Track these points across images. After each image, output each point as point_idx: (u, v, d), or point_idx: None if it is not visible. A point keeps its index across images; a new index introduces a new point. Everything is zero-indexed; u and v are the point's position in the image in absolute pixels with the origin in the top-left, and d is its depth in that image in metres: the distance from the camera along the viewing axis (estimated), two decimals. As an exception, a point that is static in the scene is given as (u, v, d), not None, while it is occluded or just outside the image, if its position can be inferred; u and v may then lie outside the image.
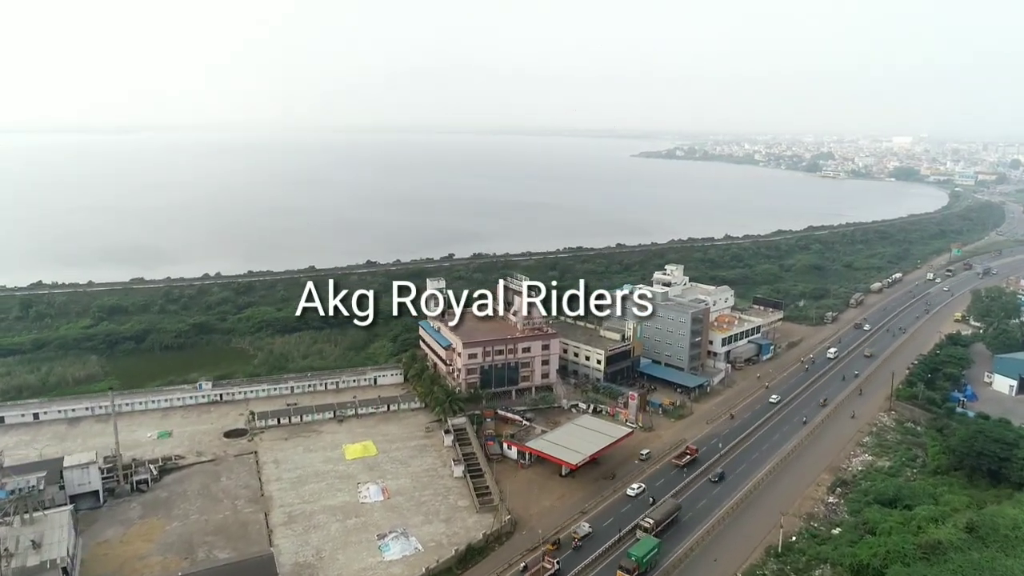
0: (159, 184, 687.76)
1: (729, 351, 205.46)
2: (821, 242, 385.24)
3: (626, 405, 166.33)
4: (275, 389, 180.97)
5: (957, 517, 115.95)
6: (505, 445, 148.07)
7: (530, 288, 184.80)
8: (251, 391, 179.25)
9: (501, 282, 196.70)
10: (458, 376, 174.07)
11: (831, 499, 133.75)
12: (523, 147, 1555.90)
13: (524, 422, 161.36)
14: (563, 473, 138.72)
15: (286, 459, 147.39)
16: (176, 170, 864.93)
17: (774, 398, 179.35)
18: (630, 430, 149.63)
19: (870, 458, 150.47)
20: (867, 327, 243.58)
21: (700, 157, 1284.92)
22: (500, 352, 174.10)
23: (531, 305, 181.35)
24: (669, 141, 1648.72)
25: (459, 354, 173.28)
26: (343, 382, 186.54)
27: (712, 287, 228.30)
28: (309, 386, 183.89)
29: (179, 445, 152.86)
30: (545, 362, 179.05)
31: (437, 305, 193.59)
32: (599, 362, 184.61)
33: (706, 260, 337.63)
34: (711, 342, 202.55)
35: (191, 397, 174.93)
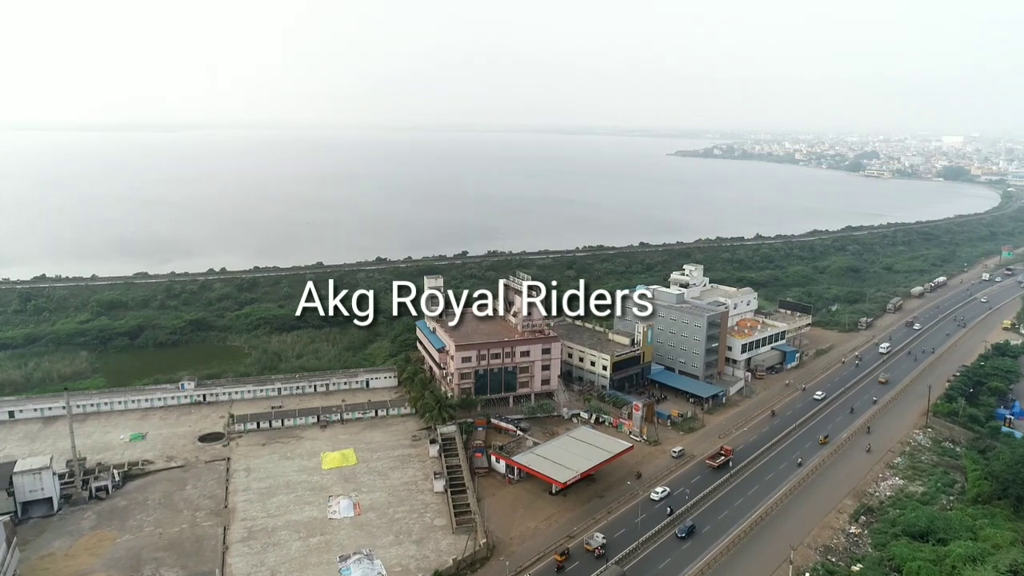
0: (196, 179, 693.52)
1: (750, 359, 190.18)
2: (859, 243, 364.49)
3: (630, 416, 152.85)
4: (261, 391, 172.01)
5: (999, 556, 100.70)
6: (493, 458, 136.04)
7: (530, 288, 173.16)
8: (236, 392, 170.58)
9: (502, 281, 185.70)
10: (451, 381, 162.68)
11: (853, 529, 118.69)
12: (559, 145, 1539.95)
13: (518, 432, 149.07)
14: (553, 491, 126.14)
15: (259, 467, 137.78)
16: (217, 166, 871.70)
17: (819, 394, 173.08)
18: (629, 445, 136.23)
19: (900, 482, 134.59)
20: (917, 326, 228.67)
21: (738, 156, 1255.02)
22: (496, 356, 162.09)
23: (531, 305, 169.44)
24: (707, 140, 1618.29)
25: (452, 357, 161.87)
26: (333, 384, 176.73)
27: (733, 289, 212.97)
28: (297, 388, 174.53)
29: (151, 449, 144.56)
30: (546, 367, 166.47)
31: (435, 305, 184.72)
32: (605, 368, 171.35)
33: (734, 261, 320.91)
34: (730, 348, 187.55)
35: (173, 397, 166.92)
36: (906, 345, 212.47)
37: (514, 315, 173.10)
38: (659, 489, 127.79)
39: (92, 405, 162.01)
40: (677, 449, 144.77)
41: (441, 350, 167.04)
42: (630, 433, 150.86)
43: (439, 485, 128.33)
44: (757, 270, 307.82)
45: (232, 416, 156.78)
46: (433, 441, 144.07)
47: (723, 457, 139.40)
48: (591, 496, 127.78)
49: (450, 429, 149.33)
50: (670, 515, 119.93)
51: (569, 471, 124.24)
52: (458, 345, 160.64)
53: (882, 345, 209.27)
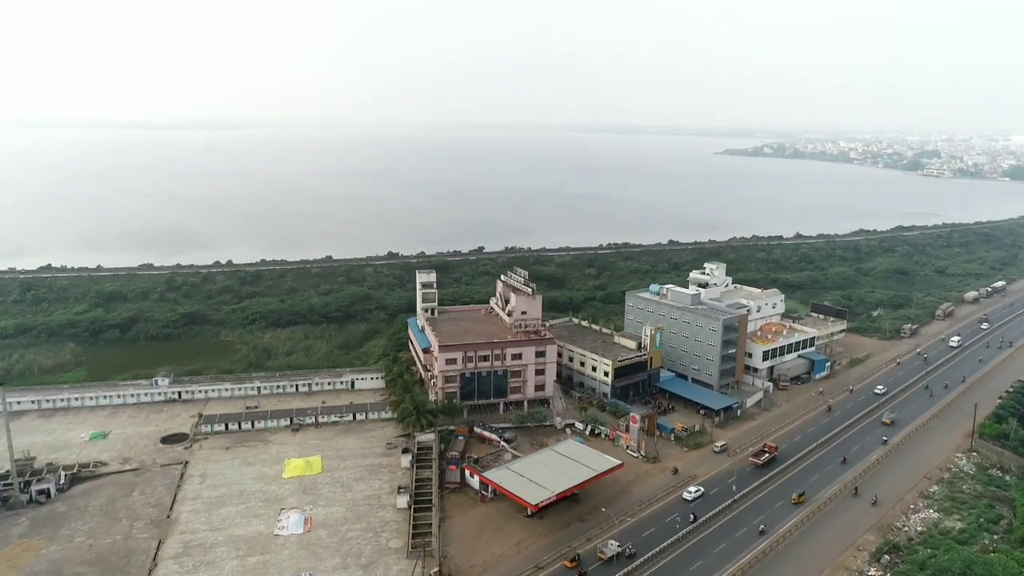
0: (227, 175, 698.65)
1: (772, 367, 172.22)
2: (910, 244, 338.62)
3: (628, 428, 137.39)
4: (239, 389, 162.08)
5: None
6: (467, 472, 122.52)
7: (524, 284, 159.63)
8: (212, 390, 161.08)
9: (500, 279, 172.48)
10: (435, 384, 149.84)
11: (873, 572, 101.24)
12: (604, 144, 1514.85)
13: (500, 443, 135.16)
14: (529, 512, 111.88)
15: (216, 473, 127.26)
16: (254, 163, 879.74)
17: (880, 388, 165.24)
18: (619, 463, 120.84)
19: (935, 515, 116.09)
20: (985, 325, 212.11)
21: (790, 155, 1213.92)
22: (485, 358, 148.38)
23: (526, 303, 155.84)
24: (757, 139, 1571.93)
25: (436, 358, 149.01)
26: (316, 384, 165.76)
27: (758, 290, 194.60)
28: (278, 387, 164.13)
29: (109, 449, 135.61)
30: (540, 371, 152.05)
31: (428, 301, 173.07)
32: (606, 374, 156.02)
33: (769, 261, 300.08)
34: (749, 355, 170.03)
35: (147, 394, 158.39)
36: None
37: (508, 314, 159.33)
38: (693, 488, 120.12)
39: (63, 400, 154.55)
40: (720, 444, 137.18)
41: (427, 350, 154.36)
42: (627, 448, 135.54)
43: (402, 501, 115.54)
44: (794, 271, 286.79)
45: (201, 416, 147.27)
46: (406, 450, 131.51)
47: (767, 454, 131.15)
48: (572, 519, 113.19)
49: (428, 437, 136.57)
50: (693, 522, 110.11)
51: (544, 491, 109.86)
52: (442, 345, 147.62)
53: (954, 339, 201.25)
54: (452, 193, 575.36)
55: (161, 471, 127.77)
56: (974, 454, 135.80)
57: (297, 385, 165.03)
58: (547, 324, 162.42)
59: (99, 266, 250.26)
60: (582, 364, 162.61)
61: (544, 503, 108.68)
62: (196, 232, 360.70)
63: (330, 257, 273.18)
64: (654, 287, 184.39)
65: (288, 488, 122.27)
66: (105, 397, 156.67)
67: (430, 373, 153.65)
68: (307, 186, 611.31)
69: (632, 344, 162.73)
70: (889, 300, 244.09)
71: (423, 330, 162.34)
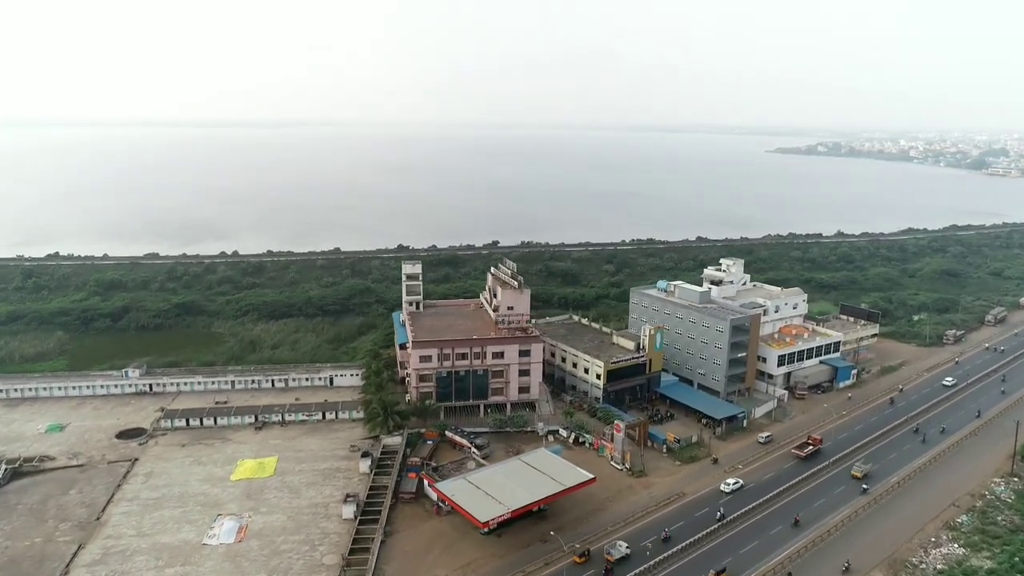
0: (265, 169, 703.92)
1: (789, 373, 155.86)
2: (963, 244, 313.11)
3: (613, 438, 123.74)
4: (212, 383, 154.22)
5: None
6: (426, 482, 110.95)
7: (511, 277, 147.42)
8: (184, 383, 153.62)
9: (490, 272, 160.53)
10: (409, 383, 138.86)
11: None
12: (653, 143, 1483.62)
13: (472, 449, 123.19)
14: (485, 530, 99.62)
15: (163, 472, 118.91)
16: (296, 159, 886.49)
17: (948, 381, 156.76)
18: (590, 477, 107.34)
19: (960, 550, 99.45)
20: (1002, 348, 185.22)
21: (845, 153, 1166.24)
22: (463, 356, 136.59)
23: (512, 298, 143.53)
24: (812, 138, 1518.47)
25: (410, 355, 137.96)
26: (293, 380, 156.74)
27: (777, 288, 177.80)
28: (252, 382, 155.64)
29: (61, 443, 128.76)
30: (524, 372, 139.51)
31: (412, 293, 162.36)
32: (598, 376, 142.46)
33: (805, 260, 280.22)
34: (763, 359, 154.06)
35: (116, 386, 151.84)
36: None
37: (495, 309, 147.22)
38: (731, 480, 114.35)
39: (31, 390, 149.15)
40: (764, 435, 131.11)
41: (403, 346, 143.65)
42: (611, 459, 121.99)
43: (348, 511, 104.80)
44: (831, 271, 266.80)
45: (163, 410, 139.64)
46: (366, 455, 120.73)
47: (811, 447, 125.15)
48: (534, 539, 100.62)
49: (395, 441, 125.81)
50: (720, 520, 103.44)
51: (498, 507, 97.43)
52: (415, 341, 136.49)
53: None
54: (487, 188, 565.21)
55: (107, 468, 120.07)
56: (1015, 479, 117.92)
57: (273, 380, 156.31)
58: (534, 321, 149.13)
59: (105, 255, 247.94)
60: (574, 365, 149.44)
61: (497, 521, 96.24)
62: (217, 223, 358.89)
63: (338, 249, 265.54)
64: (662, 283, 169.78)
65: (233, 492, 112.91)
66: (74, 388, 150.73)
67: (406, 371, 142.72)
68: (340, 181, 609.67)
69: (631, 345, 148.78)
70: (933, 303, 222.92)
71: (404, 325, 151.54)
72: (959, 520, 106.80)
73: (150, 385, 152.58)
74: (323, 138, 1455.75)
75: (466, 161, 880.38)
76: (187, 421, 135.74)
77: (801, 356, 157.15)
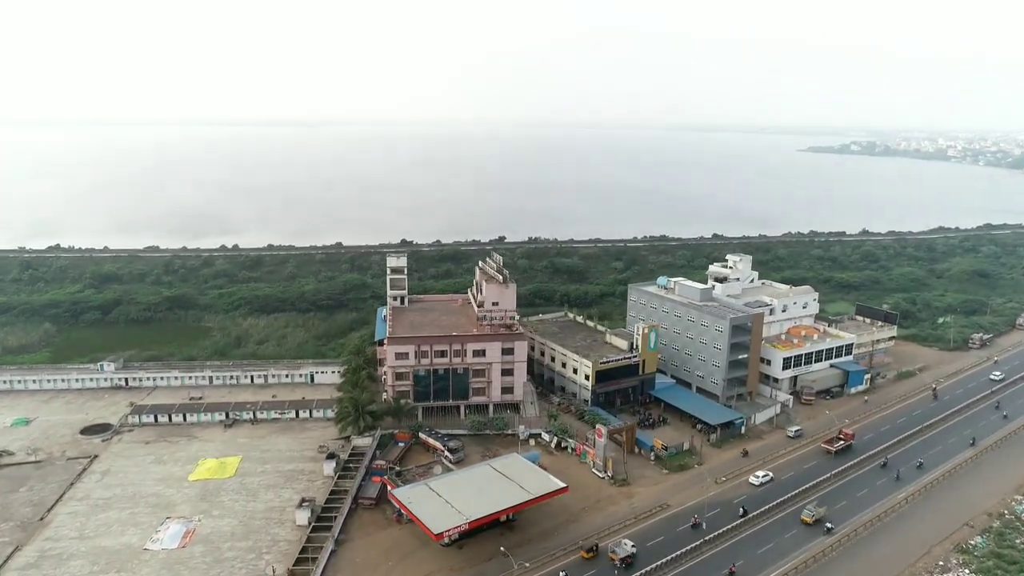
0: (291, 166, 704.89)
1: (795, 377, 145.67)
2: (997, 243, 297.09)
3: (595, 443, 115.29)
4: (189, 378, 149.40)
5: None
6: (389, 487, 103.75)
7: (496, 271, 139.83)
8: (161, 378, 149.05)
9: (478, 266, 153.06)
10: (386, 381, 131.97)
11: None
12: (685, 142, 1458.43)
13: (445, 452, 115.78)
14: (446, 540, 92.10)
15: (120, 470, 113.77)
16: (331, 156, 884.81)
17: (996, 374, 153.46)
18: (561, 487, 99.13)
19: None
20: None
21: (880, 152, 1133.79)
22: (442, 354, 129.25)
23: (497, 293, 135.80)
24: (846, 137, 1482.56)
25: (385, 351, 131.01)
26: (272, 376, 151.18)
27: (785, 287, 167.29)
28: (231, 378, 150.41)
29: (24, 437, 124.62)
30: (508, 371, 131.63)
31: (397, 288, 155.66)
32: (587, 377, 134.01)
33: (825, 258, 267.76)
34: (767, 362, 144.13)
35: (92, 379, 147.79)
36: None
37: (479, 306, 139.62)
38: (761, 473, 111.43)
39: (4, 383, 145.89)
40: (794, 429, 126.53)
41: (380, 342, 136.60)
42: (593, 466, 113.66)
43: (302, 516, 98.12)
44: (854, 270, 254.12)
45: (132, 405, 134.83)
46: (331, 456, 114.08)
47: (842, 442, 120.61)
48: (497, 552, 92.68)
49: (365, 442, 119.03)
50: (742, 516, 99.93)
51: (456, 518, 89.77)
52: (391, 337, 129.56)
53: None
54: (511, 185, 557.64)
55: (64, 465, 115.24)
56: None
57: (252, 376, 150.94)
58: (527, 318, 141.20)
59: (105, 247, 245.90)
60: (563, 365, 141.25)
61: (452, 532, 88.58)
62: (227, 217, 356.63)
63: (339, 244, 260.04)
64: (662, 280, 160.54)
65: (188, 493, 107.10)
66: (49, 381, 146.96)
67: (383, 369, 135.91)
68: (365, 176, 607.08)
69: (624, 344, 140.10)
70: (961, 305, 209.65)
71: (385, 320, 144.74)
72: (972, 542, 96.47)
73: (126, 379, 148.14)
74: (351, 136, 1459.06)
75: (496, 160, 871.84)
76: (155, 417, 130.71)
77: (809, 359, 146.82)
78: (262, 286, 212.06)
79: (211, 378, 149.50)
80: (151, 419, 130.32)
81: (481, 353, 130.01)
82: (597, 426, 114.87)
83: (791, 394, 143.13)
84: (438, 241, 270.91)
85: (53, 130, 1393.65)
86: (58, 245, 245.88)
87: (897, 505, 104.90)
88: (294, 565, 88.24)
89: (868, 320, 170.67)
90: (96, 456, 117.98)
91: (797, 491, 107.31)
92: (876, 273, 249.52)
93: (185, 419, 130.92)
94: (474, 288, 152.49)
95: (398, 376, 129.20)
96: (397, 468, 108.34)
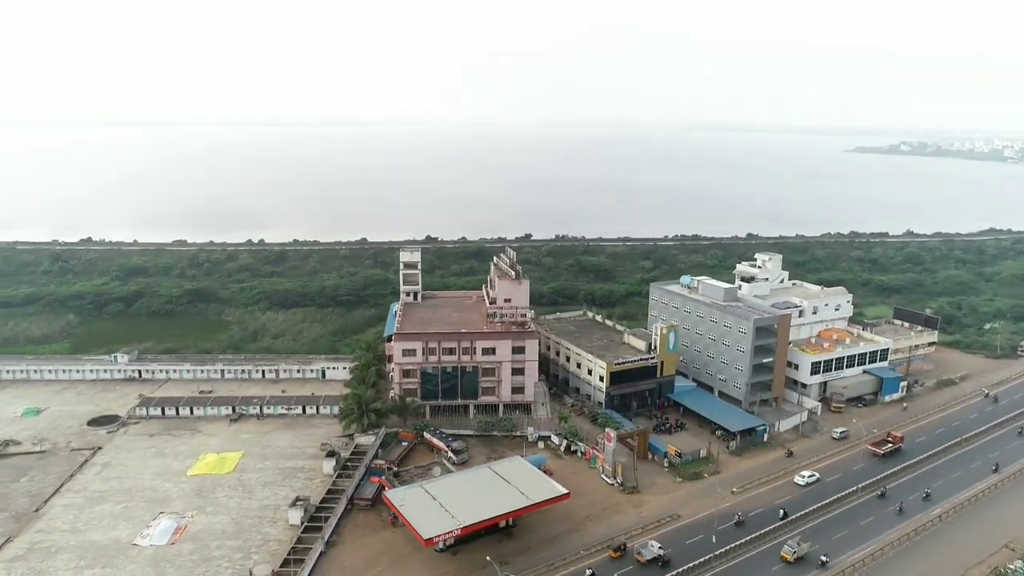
0: (337, 165, 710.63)
1: (825, 383, 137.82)
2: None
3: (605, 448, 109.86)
4: (201, 371, 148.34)
5: None
6: (386, 488, 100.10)
7: (509, 267, 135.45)
8: (173, 370, 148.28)
9: (492, 262, 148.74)
10: (392, 378, 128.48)
11: None
12: (721, 142, 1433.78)
13: (448, 453, 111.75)
14: (441, 546, 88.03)
15: (121, 463, 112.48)
16: (370, 156, 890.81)
17: None
18: (563, 493, 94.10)
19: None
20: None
21: (931, 153, 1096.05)
22: (451, 351, 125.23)
23: (509, 289, 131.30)
24: (896, 137, 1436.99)
25: (392, 348, 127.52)
26: (284, 371, 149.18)
27: (816, 287, 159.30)
28: (242, 371, 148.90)
29: (33, 427, 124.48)
30: (518, 370, 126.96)
31: (410, 283, 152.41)
32: (602, 379, 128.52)
33: (865, 260, 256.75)
34: (795, 366, 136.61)
35: (105, 371, 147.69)
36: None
37: (491, 302, 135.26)
38: (806, 473, 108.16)
39: (21, 372, 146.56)
40: (840, 430, 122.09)
41: (388, 339, 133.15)
42: (602, 471, 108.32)
43: (295, 516, 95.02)
44: (895, 272, 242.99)
45: (141, 397, 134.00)
46: (331, 454, 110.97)
47: (890, 444, 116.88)
48: (494, 559, 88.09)
49: (368, 440, 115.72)
50: (783, 519, 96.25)
51: (449, 522, 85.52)
52: (398, 333, 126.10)
53: None
54: (536, 183, 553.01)
55: (67, 456, 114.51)
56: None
57: (264, 371, 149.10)
58: (544, 316, 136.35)
59: (135, 240, 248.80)
60: (578, 365, 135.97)
61: (444, 538, 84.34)
62: (261, 213, 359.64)
63: (364, 239, 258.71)
64: (685, 279, 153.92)
65: (184, 488, 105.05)
66: (64, 371, 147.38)
67: (390, 366, 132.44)
68: (400, 176, 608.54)
69: (642, 345, 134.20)
70: (1010, 310, 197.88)
71: (395, 316, 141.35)
72: (1011, 567, 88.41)
73: (139, 371, 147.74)
74: (392, 135, 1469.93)
75: (528, 159, 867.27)
76: (162, 410, 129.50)
77: (840, 364, 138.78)
78: (283, 280, 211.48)
79: (222, 371, 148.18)
80: (158, 412, 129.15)
81: (491, 351, 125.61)
82: (607, 430, 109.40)
83: (820, 401, 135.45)
84: (463, 238, 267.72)
85: (129, 129, 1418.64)
86: (90, 238, 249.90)
87: (929, 523, 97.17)
88: (281, 567, 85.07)
89: (907, 324, 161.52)
90: (99, 448, 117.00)
91: (842, 493, 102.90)
92: (920, 276, 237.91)
93: (192, 412, 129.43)
94: (488, 284, 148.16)
95: (405, 373, 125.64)
96: (395, 469, 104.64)
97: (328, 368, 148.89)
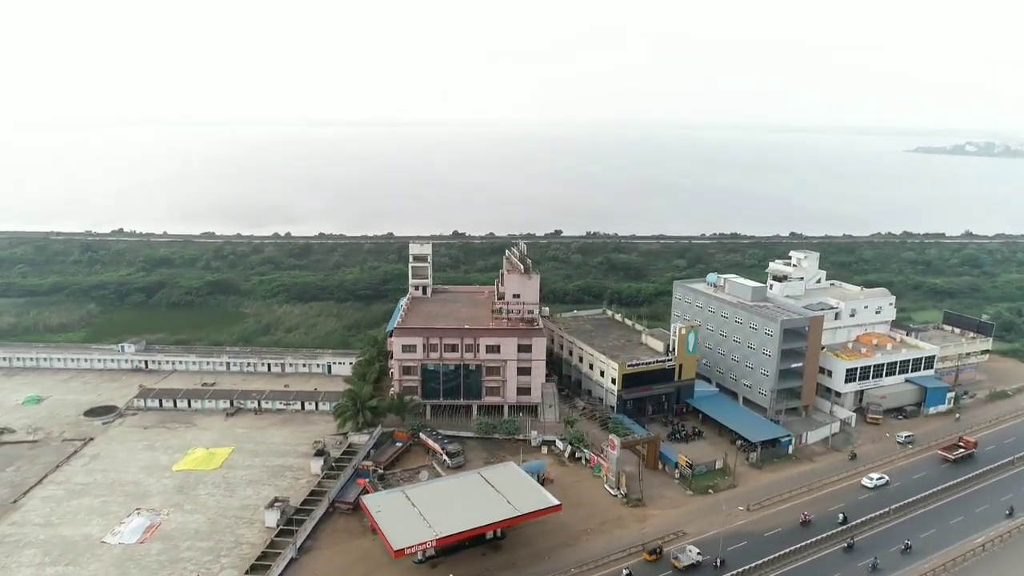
0: (363, 160, 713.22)
1: (861, 392, 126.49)
2: None
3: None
4: (207, 363, 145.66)
5: None
6: (369, 491, 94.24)
7: (519, 259, 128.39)
8: (179, 362, 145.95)
9: (505, 255, 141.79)
10: (392, 375, 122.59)
11: None
12: (776, 142, 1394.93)
13: (443, 456, 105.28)
14: (419, 557, 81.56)
15: (109, 455, 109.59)
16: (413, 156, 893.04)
17: None
18: (554, 504, 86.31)
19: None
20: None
21: (999, 153, 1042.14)
22: (453, 348, 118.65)
23: (518, 284, 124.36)
24: (961, 137, 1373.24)
25: (392, 343, 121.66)
26: (290, 365, 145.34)
27: (856, 288, 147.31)
28: (248, 364, 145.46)
29: (31, 416, 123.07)
30: (524, 370, 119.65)
31: (419, 276, 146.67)
32: (614, 381, 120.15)
33: (919, 262, 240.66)
34: (828, 373, 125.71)
35: (113, 360, 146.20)
36: None
37: (499, 298, 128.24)
38: (875, 475, 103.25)
39: (32, 360, 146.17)
40: (905, 435, 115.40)
41: (390, 334, 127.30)
42: (605, 481, 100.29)
43: (271, 518, 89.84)
44: (950, 275, 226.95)
45: (141, 387, 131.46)
46: (320, 453, 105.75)
47: (962, 450, 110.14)
48: (475, 573, 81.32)
49: (362, 440, 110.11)
50: (842, 523, 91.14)
51: (425, 532, 78.80)
52: (398, 328, 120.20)
53: None
54: (579, 179, 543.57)
55: (58, 446, 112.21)
56: None
57: (269, 364, 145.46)
58: (540, 311, 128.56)
59: (164, 232, 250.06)
60: (591, 366, 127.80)
61: (416, 549, 77.69)
62: (293, 208, 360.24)
63: (391, 234, 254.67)
64: (711, 277, 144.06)
65: (167, 483, 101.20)
66: (72, 360, 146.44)
67: (391, 362, 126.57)
68: (441, 173, 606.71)
69: (660, 346, 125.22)
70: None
71: (402, 310, 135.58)
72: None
73: (145, 362, 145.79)
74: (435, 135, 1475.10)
75: (575, 160, 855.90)
76: (160, 402, 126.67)
77: (879, 371, 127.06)
78: (304, 274, 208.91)
79: (227, 364, 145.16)
80: (156, 403, 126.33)
81: (495, 349, 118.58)
82: (610, 436, 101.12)
83: (854, 411, 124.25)
84: (491, 233, 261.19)
85: (190, 128, 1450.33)
86: (121, 230, 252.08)
87: (981, 547, 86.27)
88: (247, 573, 79.85)
89: (957, 330, 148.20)
90: (91, 439, 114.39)
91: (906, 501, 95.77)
92: (978, 279, 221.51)
93: (189, 405, 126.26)
94: (500, 280, 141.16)
95: (405, 370, 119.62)
96: (380, 471, 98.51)
97: (334, 363, 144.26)
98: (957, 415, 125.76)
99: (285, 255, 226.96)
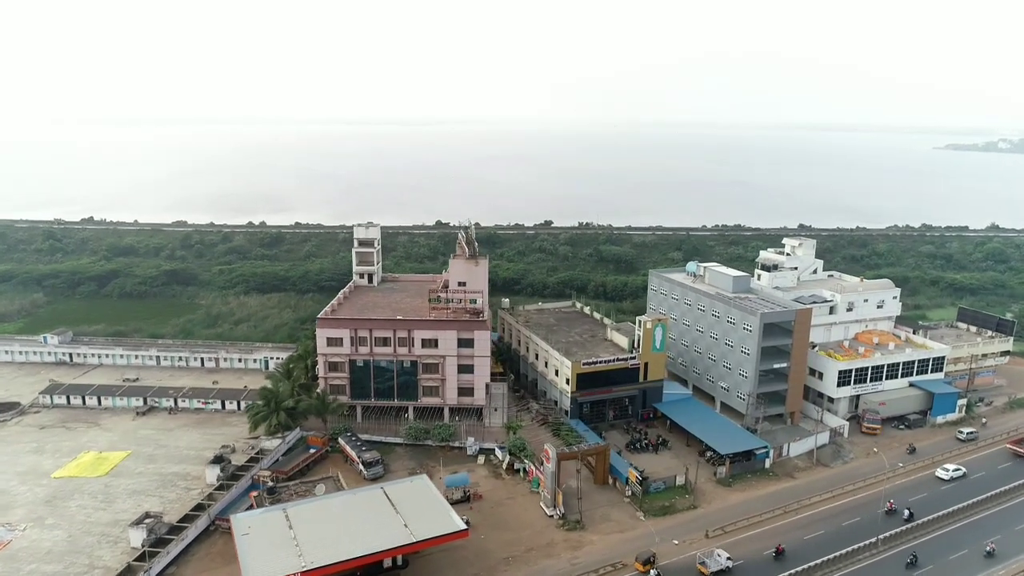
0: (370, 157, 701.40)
1: (857, 397, 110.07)
2: None
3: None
4: (136, 356, 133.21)
5: None
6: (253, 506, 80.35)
7: (466, 243, 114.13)
8: (106, 355, 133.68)
9: (460, 235, 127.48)
10: (318, 372, 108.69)
11: None
12: (803, 140, 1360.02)
13: (359, 466, 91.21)
14: (295, 587, 67.40)
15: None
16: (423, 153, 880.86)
17: None
18: (460, 530, 71.39)
19: None
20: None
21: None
22: (385, 342, 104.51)
23: (463, 271, 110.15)
24: (994, 135, 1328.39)
25: (316, 336, 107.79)
26: (224, 360, 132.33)
27: (856, 279, 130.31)
28: (179, 359, 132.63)
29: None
30: (466, 367, 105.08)
31: (365, 263, 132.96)
32: (568, 381, 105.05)
33: (938, 256, 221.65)
34: (818, 374, 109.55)
35: (35, 352, 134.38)
36: None
37: (443, 287, 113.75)
38: (950, 466, 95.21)
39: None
40: (967, 431, 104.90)
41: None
42: (542, 499, 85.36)
43: (136, 537, 76.34)
44: (972, 270, 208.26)
45: (51, 382, 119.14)
46: (217, 460, 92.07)
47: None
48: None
49: (273, 444, 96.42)
50: (908, 519, 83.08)
51: (291, 562, 64.51)
52: (322, 319, 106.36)
53: None
54: (593, 176, 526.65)
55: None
56: None
57: (203, 359, 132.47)
58: (523, 307, 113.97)
59: (135, 220, 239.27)
60: (546, 364, 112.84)
61: (277, 585, 63.46)
62: (286, 198, 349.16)
63: (371, 223, 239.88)
64: (691, 266, 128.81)
65: (39, 492, 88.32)
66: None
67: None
68: (444, 168, 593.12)
69: (626, 342, 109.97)
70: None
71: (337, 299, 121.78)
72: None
73: (70, 355, 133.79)
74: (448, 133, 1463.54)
75: (599, 156, 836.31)
76: (68, 399, 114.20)
77: (879, 373, 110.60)
78: (267, 264, 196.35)
79: (158, 358, 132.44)
80: (64, 400, 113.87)
81: (432, 343, 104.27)
82: (545, 446, 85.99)
83: (849, 419, 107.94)
84: (477, 224, 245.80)
85: (218, 127, 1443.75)
86: (91, 218, 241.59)
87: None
88: (82, 606, 66.39)
89: (973, 329, 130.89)
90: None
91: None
92: (1002, 275, 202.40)
93: (100, 403, 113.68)
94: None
95: (331, 367, 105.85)
96: (271, 484, 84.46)
97: (272, 358, 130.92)
98: (984, 420, 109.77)
99: (254, 244, 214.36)
